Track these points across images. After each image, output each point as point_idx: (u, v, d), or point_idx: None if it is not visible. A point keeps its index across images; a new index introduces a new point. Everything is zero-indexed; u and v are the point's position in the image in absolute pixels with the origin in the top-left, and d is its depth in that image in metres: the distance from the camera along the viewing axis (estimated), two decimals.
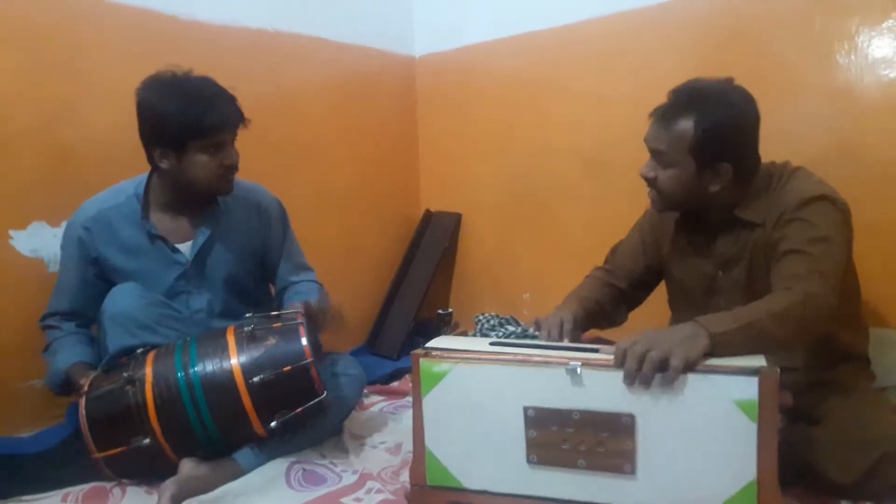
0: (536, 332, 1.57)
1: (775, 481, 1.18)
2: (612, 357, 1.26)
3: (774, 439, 1.17)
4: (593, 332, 1.78)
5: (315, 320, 1.65)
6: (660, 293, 1.81)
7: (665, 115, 1.50)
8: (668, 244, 1.69)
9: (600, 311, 1.70)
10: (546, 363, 1.29)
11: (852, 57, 1.89)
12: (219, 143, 1.62)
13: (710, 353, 1.22)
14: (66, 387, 1.63)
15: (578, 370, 1.25)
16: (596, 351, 1.34)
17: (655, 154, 1.52)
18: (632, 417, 1.23)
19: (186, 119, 1.56)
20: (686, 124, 1.45)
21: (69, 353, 1.65)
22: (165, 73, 1.62)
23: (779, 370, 1.17)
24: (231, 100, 1.64)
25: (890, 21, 1.84)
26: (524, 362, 1.30)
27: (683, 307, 1.69)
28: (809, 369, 1.53)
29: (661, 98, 2.11)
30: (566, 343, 1.46)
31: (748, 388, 1.17)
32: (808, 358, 1.52)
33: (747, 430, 1.17)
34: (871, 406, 1.47)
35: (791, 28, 1.99)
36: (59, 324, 1.71)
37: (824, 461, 1.38)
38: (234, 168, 1.68)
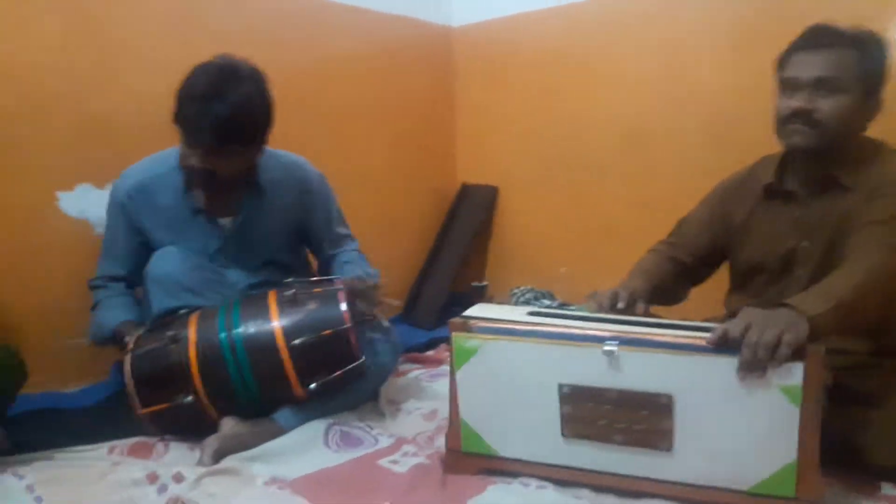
0: (580, 306, 1.55)
1: (816, 463, 1.17)
2: (652, 330, 1.25)
3: (818, 421, 1.16)
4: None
5: (360, 296, 1.65)
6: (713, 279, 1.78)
7: (823, 42, 1.43)
8: (744, 215, 1.63)
9: (663, 287, 1.66)
10: (582, 341, 1.27)
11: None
12: (187, 140, 1.59)
13: (808, 339, 1.17)
14: (111, 342, 1.68)
15: (615, 351, 1.23)
16: (648, 325, 1.31)
17: (818, 81, 1.42)
18: (670, 398, 1.22)
19: (179, 110, 1.56)
20: (851, 52, 1.41)
21: (118, 311, 1.70)
22: (226, 59, 1.59)
23: (824, 350, 1.15)
24: (212, 118, 1.51)
25: None
26: (559, 339, 1.29)
27: (752, 287, 1.65)
28: (862, 352, 1.49)
29: (701, 74, 2.07)
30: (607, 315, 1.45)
31: (793, 374, 1.15)
32: (864, 339, 1.47)
33: (790, 414, 1.16)
34: None
35: None
36: (106, 284, 1.75)
37: (871, 443, 1.35)
38: (197, 170, 1.61)
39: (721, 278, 1.77)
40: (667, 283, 1.68)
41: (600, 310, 1.46)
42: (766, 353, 1.14)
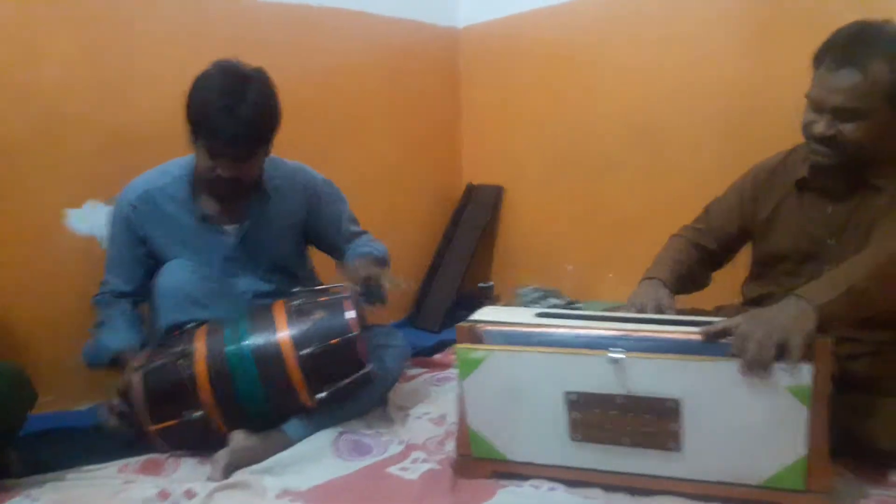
0: (581, 304, 1.55)
1: (826, 455, 1.17)
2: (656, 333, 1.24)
3: (826, 416, 1.15)
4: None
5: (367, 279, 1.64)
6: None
7: (848, 60, 1.34)
8: (773, 205, 1.60)
9: (689, 275, 1.65)
10: (587, 350, 1.26)
11: None
12: (214, 150, 1.59)
13: (818, 328, 1.16)
14: (109, 365, 1.65)
15: (621, 359, 1.22)
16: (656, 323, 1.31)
17: (837, 109, 1.37)
18: (677, 402, 1.21)
19: (195, 114, 1.56)
20: (880, 67, 1.32)
21: (122, 334, 1.67)
22: (226, 63, 1.59)
23: (832, 342, 1.14)
24: (240, 124, 1.52)
25: None
26: (564, 348, 1.28)
27: (772, 276, 1.63)
28: (869, 340, 1.47)
29: (711, 68, 2.04)
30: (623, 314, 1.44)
31: (801, 374, 1.14)
32: (870, 328, 1.45)
33: (799, 413, 1.15)
34: None
35: None
36: (111, 301, 1.74)
37: (873, 429, 1.35)
38: (223, 180, 1.61)
39: (739, 263, 1.76)
40: (692, 270, 1.67)
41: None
42: (771, 352, 1.13)
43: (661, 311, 1.45)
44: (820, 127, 1.40)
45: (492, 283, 2.96)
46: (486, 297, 2.85)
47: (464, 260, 2.86)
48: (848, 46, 1.36)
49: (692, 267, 1.65)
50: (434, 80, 2.96)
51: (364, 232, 1.96)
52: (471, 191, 3.05)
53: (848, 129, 1.37)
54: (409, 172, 2.89)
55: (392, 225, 2.79)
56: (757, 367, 1.13)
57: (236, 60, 1.61)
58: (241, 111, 1.52)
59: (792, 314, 1.18)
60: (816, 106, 1.41)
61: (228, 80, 1.56)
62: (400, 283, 1.65)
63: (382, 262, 1.81)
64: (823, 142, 1.41)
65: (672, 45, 2.35)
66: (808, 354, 1.13)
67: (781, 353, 1.13)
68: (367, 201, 2.63)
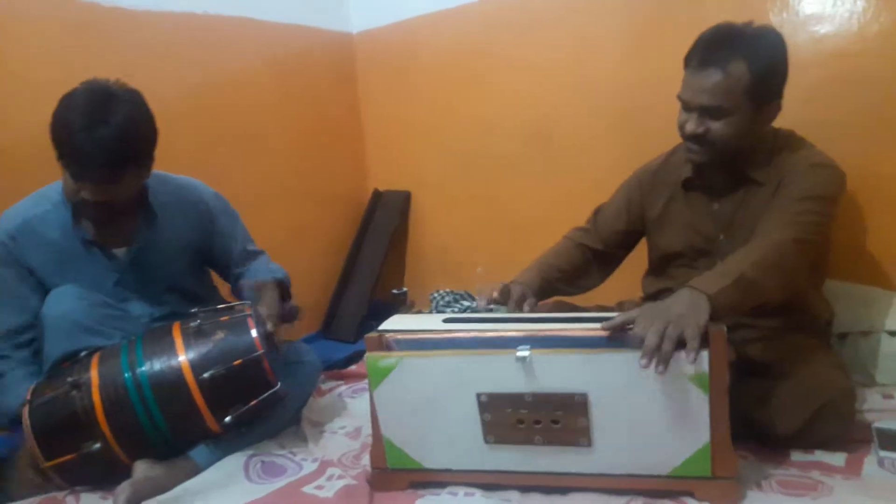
0: (493, 307, 1.57)
1: (728, 441, 1.21)
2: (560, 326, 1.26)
3: (726, 402, 1.20)
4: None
5: (268, 298, 1.62)
6: (631, 262, 1.82)
7: (710, 60, 1.42)
8: (661, 205, 1.66)
9: (562, 278, 1.69)
10: (494, 349, 1.27)
11: (784, 15, 1.91)
12: (75, 173, 1.49)
13: (711, 316, 1.20)
14: (18, 424, 1.50)
15: (527, 356, 1.24)
16: (541, 320, 1.34)
17: (704, 108, 1.44)
18: (584, 396, 1.23)
19: (57, 134, 1.46)
20: (739, 66, 1.40)
21: (22, 388, 1.52)
22: (94, 83, 1.50)
23: (726, 329, 1.18)
24: (100, 146, 1.42)
25: None
26: (473, 349, 1.29)
27: (669, 272, 1.68)
28: (761, 326, 1.55)
29: (602, 66, 2.11)
30: (514, 313, 1.46)
31: (700, 363, 1.17)
32: (762, 315, 1.52)
33: (700, 400, 1.19)
34: (817, 362, 1.49)
35: None
36: (9, 353, 1.59)
37: (770, 412, 1.41)
38: (92, 203, 1.52)
39: (639, 257, 1.81)
40: (569, 272, 1.71)
41: (486, 300, 1.49)
42: (670, 343, 1.15)
43: (506, 297, 1.50)
44: (690, 126, 1.47)
45: (405, 289, 2.95)
46: (400, 304, 2.84)
47: (375, 267, 2.83)
48: (710, 48, 1.44)
49: (566, 269, 1.70)
50: (331, 86, 2.92)
51: (261, 252, 1.90)
52: (378, 197, 3.02)
53: (716, 126, 1.45)
54: (313, 181, 2.83)
55: (299, 235, 2.75)
56: (657, 357, 1.16)
57: (108, 80, 1.51)
58: (100, 132, 1.42)
59: (686, 303, 1.22)
60: (685, 105, 1.49)
61: (92, 99, 1.46)
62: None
63: (283, 284, 1.77)
64: (695, 140, 1.48)
65: (562, 48, 2.39)
66: (703, 343, 1.17)
67: (679, 342, 1.16)
68: (272, 214, 2.59)
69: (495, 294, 1.54)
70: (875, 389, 1.68)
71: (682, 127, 1.51)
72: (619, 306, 1.75)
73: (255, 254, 1.88)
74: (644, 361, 1.16)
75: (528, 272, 1.65)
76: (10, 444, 1.73)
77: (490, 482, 1.34)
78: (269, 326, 1.56)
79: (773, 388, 1.43)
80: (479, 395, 1.28)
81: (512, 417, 1.28)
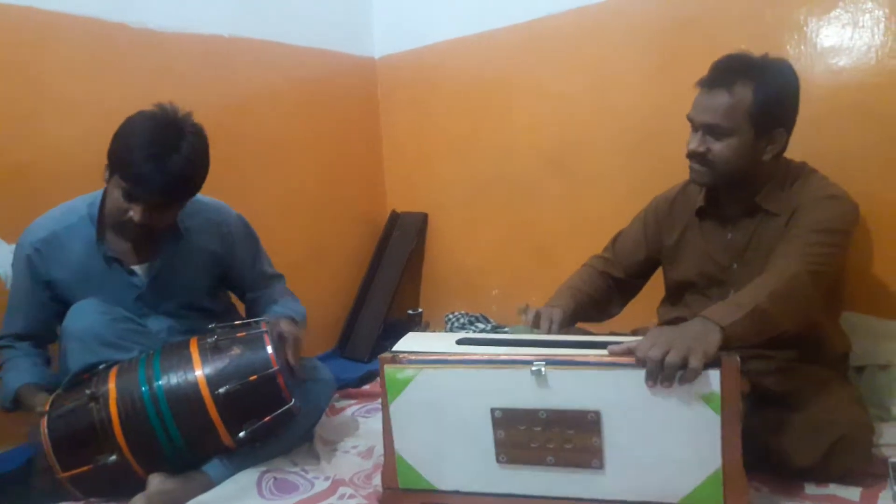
0: (507, 329, 1.57)
1: (741, 468, 1.20)
2: (584, 353, 1.27)
3: (738, 427, 1.19)
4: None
5: (282, 342, 1.63)
6: (647, 291, 1.82)
7: (718, 82, 1.46)
8: (676, 234, 1.68)
9: (591, 303, 1.69)
10: (510, 364, 1.28)
11: (802, 47, 1.93)
12: (132, 194, 1.54)
13: (723, 347, 1.21)
14: (15, 406, 1.60)
15: (543, 371, 1.25)
16: (574, 345, 1.34)
17: (707, 126, 1.48)
18: (597, 414, 1.24)
19: (120, 155, 1.51)
20: (744, 90, 1.43)
21: (20, 373, 1.61)
22: (162, 108, 1.55)
23: (738, 358, 1.18)
24: (168, 176, 1.48)
25: (836, 10, 1.87)
26: (489, 364, 1.30)
27: (684, 300, 1.69)
28: (778, 358, 1.54)
29: (621, 93, 2.13)
30: (542, 337, 1.46)
31: (710, 382, 1.18)
32: (778, 346, 1.52)
33: (711, 422, 1.19)
34: (834, 394, 1.49)
35: (743, 20, 2.02)
36: (12, 343, 1.67)
37: (786, 444, 1.40)
38: (133, 223, 1.55)
39: (656, 286, 1.81)
40: (597, 298, 1.71)
41: (531, 325, 1.48)
42: (672, 368, 1.17)
43: (550, 322, 1.50)
44: (693, 144, 1.50)
45: (420, 309, 2.96)
46: (415, 324, 2.85)
47: (391, 288, 2.85)
48: (721, 70, 1.48)
49: (596, 295, 1.71)
50: (353, 109, 2.96)
51: (278, 276, 1.93)
52: (395, 218, 3.05)
53: (717, 147, 1.48)
54: (333, 202, 2.87)
55: (317, 255, 2.77)
56: (659, 373, 1.18)
57: (174, 107, 1.56)
58: (170, 163, 1.48)
59: (696, 332, 1.22)
60: (692, 125, 1.52)
61: (163, 127, 1.52)
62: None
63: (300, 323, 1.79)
64: (696, 158, 1.51)
65: (585, 74, 2.41)
66: (714, 363, 1.17)
67: (684, 364, 1.17)
68: (291, 232, 2.63)
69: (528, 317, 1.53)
70: (892, 424, 1.66)
71: (688, 144, 1.53)
72: (634, 333, 1.75)
73: (271, 277, 1.91)
74: (650, 382, 1.19)
75: (562, 297, 1.65)
76: (27, 454, 1.76)
77: None
78: (291, 359, 1.60)
79: (790, 419, 1.42)
80: (493, 411, 1.29)
81: (525, 435, 1.29)
